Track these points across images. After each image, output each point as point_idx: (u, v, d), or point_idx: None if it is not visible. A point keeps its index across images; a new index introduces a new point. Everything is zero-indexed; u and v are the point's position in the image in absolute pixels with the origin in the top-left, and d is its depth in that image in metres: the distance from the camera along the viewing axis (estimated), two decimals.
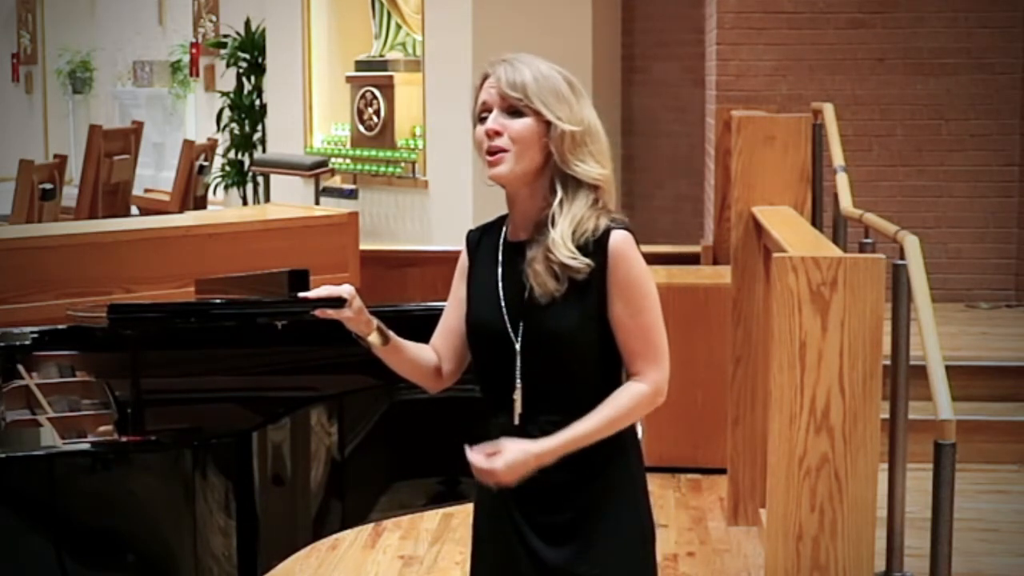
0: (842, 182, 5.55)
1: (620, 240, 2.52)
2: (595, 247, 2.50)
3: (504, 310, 2.56)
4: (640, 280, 2.53)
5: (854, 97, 7.42)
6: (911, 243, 3.93)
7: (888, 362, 3.93)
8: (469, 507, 4.92)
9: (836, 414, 3.57)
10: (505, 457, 2.46)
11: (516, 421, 2.55)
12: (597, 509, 2.55)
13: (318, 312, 2.56)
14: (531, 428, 2.54)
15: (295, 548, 3.20)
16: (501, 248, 2.62)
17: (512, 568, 2.59)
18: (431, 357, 2.68)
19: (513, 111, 2.52)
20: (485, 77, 2.57)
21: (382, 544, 5.10)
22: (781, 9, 7.48)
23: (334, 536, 3.82)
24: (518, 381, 2.54)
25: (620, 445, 2.57)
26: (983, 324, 6.86)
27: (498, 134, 2.53)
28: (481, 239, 2.68)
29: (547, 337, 2.51)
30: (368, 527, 5.10)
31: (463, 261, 2.69)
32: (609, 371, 2.55)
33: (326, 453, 3.19)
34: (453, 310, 2.68)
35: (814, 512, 3.59)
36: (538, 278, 2.50)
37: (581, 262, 2.49)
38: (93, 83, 16.59)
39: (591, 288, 2.51)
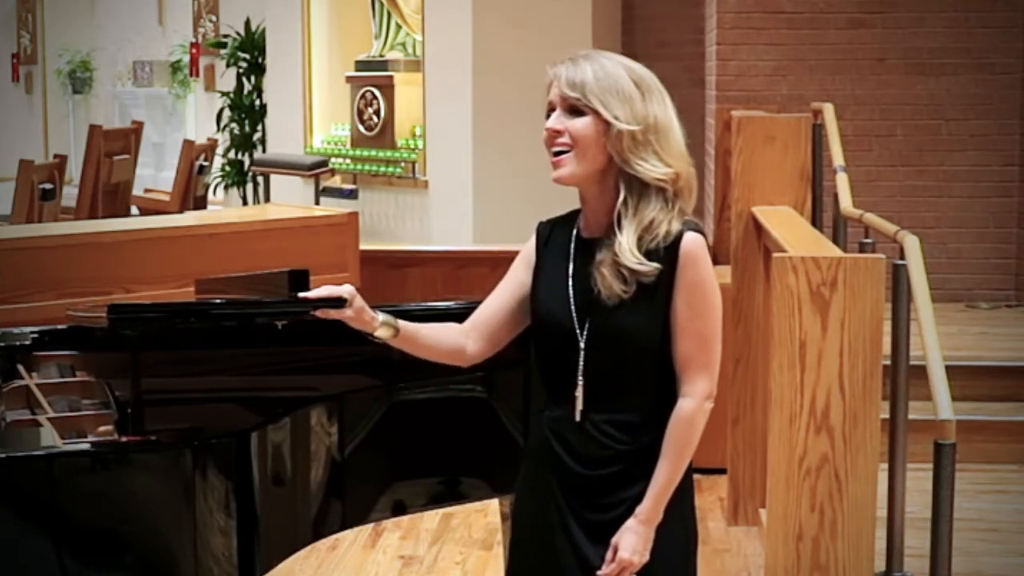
0: (842, 182, 5.55)
1: (692, 243, 2.51)
2: (666, 252, 2.49)
3: (572, 307, 2.56)
4: (705, 284, 2.53)
5: (854, 97, 7.42)
6: (911, 243, 3.93)
7: (888, 362, 3.93)
8: (469, 507, 4.95)
9: (836, 414, 3.57)
10: (624, 549, 2.50)
11: (577, 418, 2.55)
12: None
13: (319, 312, 2.56)
14: (588, 427, 2.55)
15: (295, 548, 3.20)
16: (573, 243, 2.61)
17: (555, 564, 2.59)
18: (452, 338, 2.67)
19: (574, 110, 2.52)
20: (550, 80, 2.58)
21: (382, 544, 5.10)
22: (781, 9, 7.48)
23: (334, 536, 3.83)
24: (580, 378, 2.54)
25: None
26: (983, 324, 6.86)
27: (559, 133, 2.53)
28: (551, 233, 2.67)
29: (612, 337, 2.52)
30: (368, 527, 5.10)
31: (529, 251, 2.68)
32: (671, 374, 2.55)
33: (326, 453, 3.19)
34: (505, 292, 2.68)
35: (814, 512, 3.59)
36: (605, 280, 2.50)
37: (649, 267, 2.48)
38: (93, 83, 16.58)
39: (659, 290, 2.50)
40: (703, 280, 2.52)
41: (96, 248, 5.28)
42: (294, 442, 3.10)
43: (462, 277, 6.40)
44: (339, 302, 2.55)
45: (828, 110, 6.22)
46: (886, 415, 3.90)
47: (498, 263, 6.18)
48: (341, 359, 3.61)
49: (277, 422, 3.05)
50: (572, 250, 2.60)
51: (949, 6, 7.40)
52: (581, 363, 2.54)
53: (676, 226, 2.51)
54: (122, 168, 10.30)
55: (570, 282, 2.57)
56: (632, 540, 2.51)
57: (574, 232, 2.62)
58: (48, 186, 9.00)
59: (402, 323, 2.62)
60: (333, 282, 2.60)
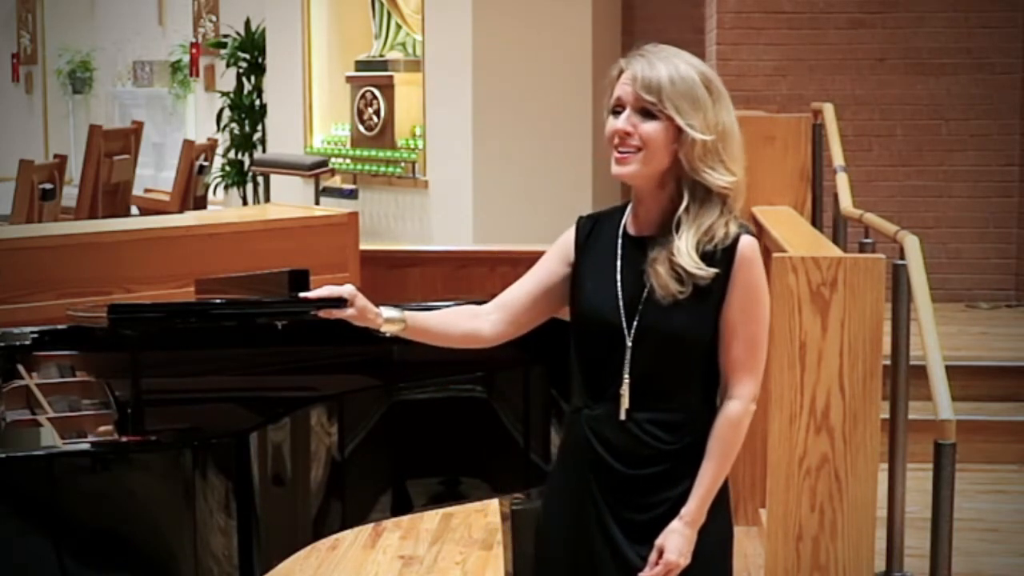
0: (842, 182, 5.55)
1: (748, 246, 2.51)
2: (723, 255, 2.48)
3: (620, 304, 2.53)
4: (759, 288, 2.53)
5: (854, 97, 7.43)
6: (911, 243, 3.94)
7: (888, 362, 3.93)
8: (469, 507, 4.94)
9: (836, 414, 3.57)
10: (670, 551, 2.49)
11: (622, 416, 2.53)
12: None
13: (322, 312, 2.56)
14: (632, 426, 2.53)
15: (295, 548, 3.20)
16: (620, 240, 2.58)
17: (590, 563, 2.57)
18: (464, 323, 2.66)
19: (645, 112, 2.49)
20: (620, 71, 2.53)
21: (382, 544, 5.10)
22: (781, 9, 7.48)
23: (334, 536, 3.82)
24: (626, 376, 2.52)
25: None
26: (983, 324, 6.86)
27: (628, 135, 2.49)
28: (594, 228, 2.63)
29: (662, 336, 2.50)
30: (368, 527, 5.09)
31: (566, 244, 2.65)
32: (716, 374, 2.55)
33: (326, 453, 3.19)
34: (535, 278, 2.65)
35: (814, 512, 3.59)
36: (660, 280, 2.48)
37: (707, 272, 2.47)
38: (93, 83, 16.57)
39: (713, 292, 2.49)
40: (757, 283, 2.52)
41: (96, 248, 5.28)
42: (294, 442, 3.10)
43: (462, 277, 6.40)
44: (340, 302, 2.55)
45: (828, 110, 6.22)
46: (886, 415, 3.90)
47: (498, 263, 6.22)
48: (341, 359, 3.61)
49: (277, 422, 3.05)
50: (619, 247, 2.57)
51: (949, 6, 7.40)
52: (627, 361, 2.52)
53: (733, 228, 2.50)
54: (122, 168, 10.30)
55: (618, 279, 2.55)
56: (678, 542, 2.50)
57: (621, 229, 2.59)
58: (48, 186, 8.99)
59: (409, 315, 2.60)
60: (333, 282, 2.60)
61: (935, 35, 7.42)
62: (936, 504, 3.37)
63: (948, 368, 3.48)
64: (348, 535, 4.93)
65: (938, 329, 3.62)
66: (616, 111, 2.52)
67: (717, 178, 2.49)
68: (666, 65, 2.49)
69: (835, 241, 5.13)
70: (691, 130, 2.47)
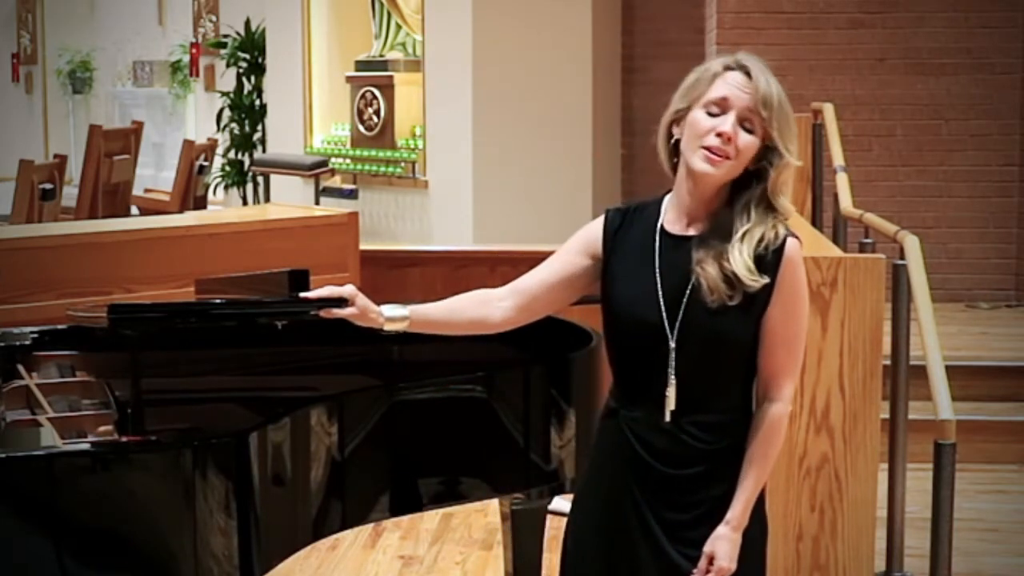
0: (842, 182, 5.55)
1: (795, 248, 2.51)
2: (772, 256, 2.48)
3: (661, 303, 2.50)
4: (803, 290, 2.53)
5: (854, 97, 7.43)
6: (911, 243, 3.94)
7: (888, 362, 3.93)
8: (469, 507, 4.94)
9: (836, 414, 3.57)
10: (721, 558, 2.49)
11: (667, 418, 2.50)
12: (724, 509, 2.53)
13: (323, 312, 2.55)
14: (674, 427, 2.51)
15: (295, 548, 3.20)
16: (657, 237, 2.54)
17: (630, 566, 2.56)
18: (471, 310, 2.63)
19: (745, 123, 2.47)
20: (727, 68, 2.49)
21: (382, 544, 5.10)
22: (781, 9, 7.49)
23: (334, 536, 3.82)
24: (672, 378, 2.49)
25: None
26: (983, 324, 6.87)
27: (730, 140, 2.46)
28: (623, 222, 2.58)
29: (706, 337, 2.47)
30: (368, 527, 5.09)
31: (592, 236, 2.60)
32: (754, 373, 2.54)
33: (326, 453, 3.19)
34: (552, 268, 2.62)
35: (814, 512, 3.59)
36: (710, 281, 2.46)
37: (760, 283, 2.46)
38: (93, 83, 16.58)
39: (760, 295, 2.48)
40: (800, 285, 2.52)
41: (96, 248, 5.27)
42: (294, 442, 3.10)
43: (462, 277, 6.40)
44: (340, 302, 2.54)
45: (828, 110, 6.22)
46: (886, 415, 3.90)
47: (498, 263, 6.23)
48: (341, 359, 3.61)
49: (277, 422, 3.05)
50: (656, 244, 2.54)
51: (949, 6, 7.41)
52: (672, 362, 2.49)
53: (781, 230, 2.51)
54: (122, 168, 10.30)
55: (657, 277, 2.51)
56: (727, 548, 2.50)
57: (658, 225, 2.55)
58: (48, 186, 8.99)
59: (412, 309, 2.58)
60: (333, 282, 2.60)
61: (935, 35, 7.42)
62: (936, 504, 3.37)
63: (948, 368, 3.49)
64: (348, 535, 4.93)
65: (938, 329, 3.63)
66: (714, 112, 2.48)
67: (786, 204, 2.52)
68: (775, 86, 2.49)
69: (835, 241, 5.13)
70: (788, 154, 2.49)
